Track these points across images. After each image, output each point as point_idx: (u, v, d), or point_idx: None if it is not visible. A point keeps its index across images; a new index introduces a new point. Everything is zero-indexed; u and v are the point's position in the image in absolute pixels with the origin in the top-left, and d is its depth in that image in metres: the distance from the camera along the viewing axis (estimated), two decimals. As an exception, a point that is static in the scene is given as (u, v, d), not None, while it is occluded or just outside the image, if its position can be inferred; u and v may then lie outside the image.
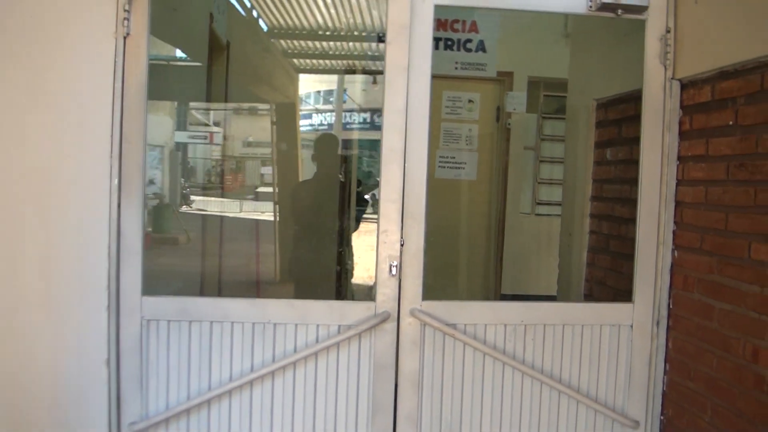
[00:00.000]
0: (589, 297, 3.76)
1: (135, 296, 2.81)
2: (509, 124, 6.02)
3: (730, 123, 2.62)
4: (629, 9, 2.90)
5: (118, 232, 2.78)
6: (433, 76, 6.45)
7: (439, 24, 5.99)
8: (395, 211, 2.89)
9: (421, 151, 2.90)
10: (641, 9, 2.91)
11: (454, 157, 6.09)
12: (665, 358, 2.98)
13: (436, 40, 6.32)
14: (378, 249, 2.89)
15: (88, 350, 2.79)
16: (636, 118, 3.32)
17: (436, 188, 6.12)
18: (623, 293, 3.35)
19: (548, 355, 2.98)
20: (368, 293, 4.72)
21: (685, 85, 2.92)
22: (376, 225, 2.88)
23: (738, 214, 2.56)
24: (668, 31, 2.94)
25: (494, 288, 5.84)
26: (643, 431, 3.01)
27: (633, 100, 3.36)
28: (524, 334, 2.96)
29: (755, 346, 2.42)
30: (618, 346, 3.01)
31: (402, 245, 2.89)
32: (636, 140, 3.29)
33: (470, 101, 6.09)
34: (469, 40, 5.98)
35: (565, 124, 4.44)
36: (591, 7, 2.91)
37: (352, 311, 2.90)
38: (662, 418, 2.99)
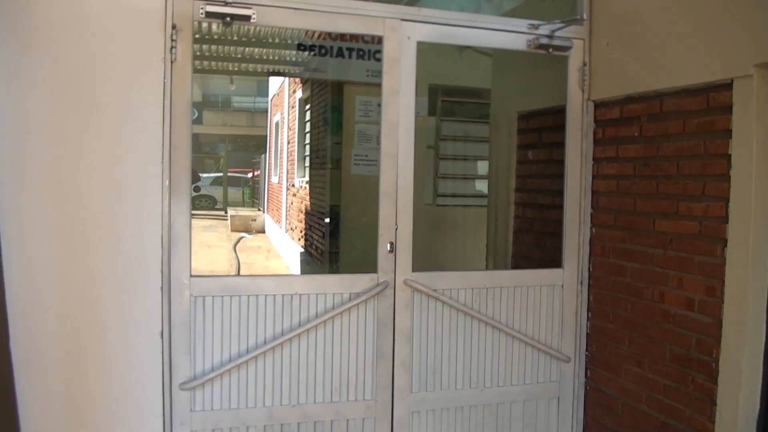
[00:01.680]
0: (515, 268, 4.73)
1: (184, 277, 3.38)
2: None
3: (636, 134, 3.64)
4: (558, 48, 3.86)
5: (169, 225, 3.34)
6: (347, 83, 7.27)
7: (351, 37, 6.73)
8: (391, 202, 3.68)
9: (409, 154, 3.70)
10: (567, 48, 3.88)
11: (367, 155, 6.91)
12: (587, 308, 4.00)
13: (349, 51, 7.08)
14: (379, 232, 3.67)
15: (145, 324, 3.33)
16: (554, 128, 4.32)
17: (354, 183, 6.94)
18: (546, 263, 4.34)
19: (504, 310, 3.89)
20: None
21: (598, 105, 3.93)
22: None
23: (644, 200, 3.58)
24: (585, 65, 3.93)
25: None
26: (573, 364, 4.02)
27: (551, 113, 4.35)
28: (486, 295, 3.85)
29: (661, 290, 3.46)
30: (553, 301, 3.98)
31: (396, 228, 3.68)
32: (554, 144, 4.29)
33: (380, 105, 6.91)
34: (378, 51, 6.73)
35: (488, 129, 5.38)
36: (530, 45, 3.84)
37: (359, 282, 3.65)
38: (587, 353, 4.01)
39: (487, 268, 5.21)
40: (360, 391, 3.69)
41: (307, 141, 11.32)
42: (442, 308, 3.78)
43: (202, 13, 3.32)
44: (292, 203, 12.88)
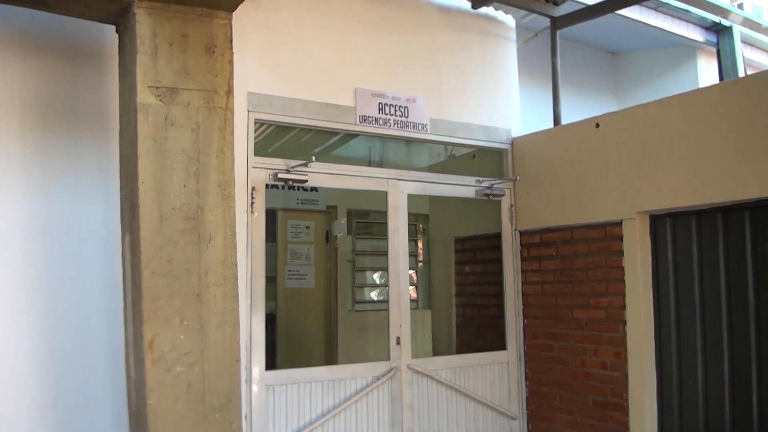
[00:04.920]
0: (459, 353, 6.25)
1: (261, 371, 4.54)
2: (336, 243, 8.32)
3: (554, 254, 5.39)
4: (495, 195, 5.60)
5: (250, 332, 4.52)
6: (280, 209, 8.67)
7: (283, 173, 8.07)
8: (397, 308, 5.09)
9: (405, 274, 5.18)
10: (501, 195, 5.63)
11: (298, 271, 8.17)
12: (525, 377, 5.58)
13: (285, 182, 8.49)
14: (389, 330, 5.05)
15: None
16: (486, 249, 6.00)
17: (288, 295, 8.18)
18: (487, 347, 5.89)
19: (471, 382, 5.38)
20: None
21: (523, 233, 5.67)
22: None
23: (563, 297, 5.30)
24: (512, 206, 5.69)
25: (335, 357, 7.96)
26: (519, 420, 5.55)
27: (484, 238, 6.03)
28: (461, 372, 5.33)
29: (582, 359, 5.14)
30: (502, 373, 5.53)
31: (401, 327, 5.09)
32: (487, 261, 5.96)
33: (308, 227, 8.27)
34: (305, 181, 8.04)
35: (427, 248, 6.96)
36: (477, 194, 5.54)
37: (378, 368, 4.98)
38: (528, 411, 5.56)
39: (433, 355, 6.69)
40: (381, 451, 4.97)
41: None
42: (433, 383, 5.19)
43: (272, 179, 4.67)
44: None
